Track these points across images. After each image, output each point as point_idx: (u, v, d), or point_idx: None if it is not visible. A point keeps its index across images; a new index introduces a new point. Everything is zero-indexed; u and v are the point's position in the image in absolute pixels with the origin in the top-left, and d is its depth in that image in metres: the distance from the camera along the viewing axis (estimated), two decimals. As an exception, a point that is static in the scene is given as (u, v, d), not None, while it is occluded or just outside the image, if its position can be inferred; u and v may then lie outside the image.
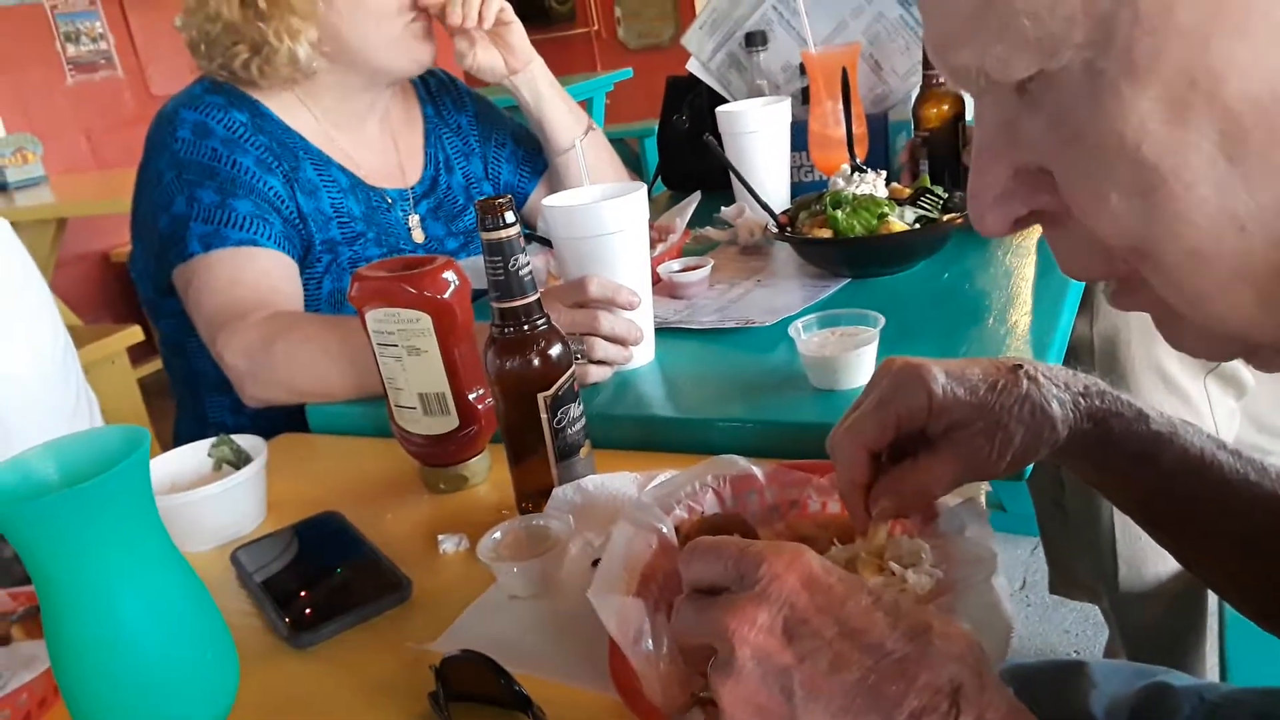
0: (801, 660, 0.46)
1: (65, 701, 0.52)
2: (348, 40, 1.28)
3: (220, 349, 1.10)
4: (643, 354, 1.03)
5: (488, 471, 0.93)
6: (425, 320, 0.84)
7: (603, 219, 0.95)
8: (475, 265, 0.85)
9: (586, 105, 4.46)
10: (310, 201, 1.28)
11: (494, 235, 0.74)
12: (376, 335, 0.88)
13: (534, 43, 1.41)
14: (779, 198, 1.39)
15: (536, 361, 0.78)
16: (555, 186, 1.50)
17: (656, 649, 0.58)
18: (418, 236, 1.40)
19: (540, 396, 0.78)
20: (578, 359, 0.94)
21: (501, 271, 0.75)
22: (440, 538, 0.82)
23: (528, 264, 0.76)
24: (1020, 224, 0.44)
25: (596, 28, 6.56)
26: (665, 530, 0.67)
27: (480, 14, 1.31)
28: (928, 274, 1.16)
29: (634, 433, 0.93)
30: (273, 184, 1.24)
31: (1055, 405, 0.63)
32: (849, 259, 1.14)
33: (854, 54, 1.35)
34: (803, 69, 1.47)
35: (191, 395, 1.35)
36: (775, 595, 0.48)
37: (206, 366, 1.25)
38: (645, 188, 0.99)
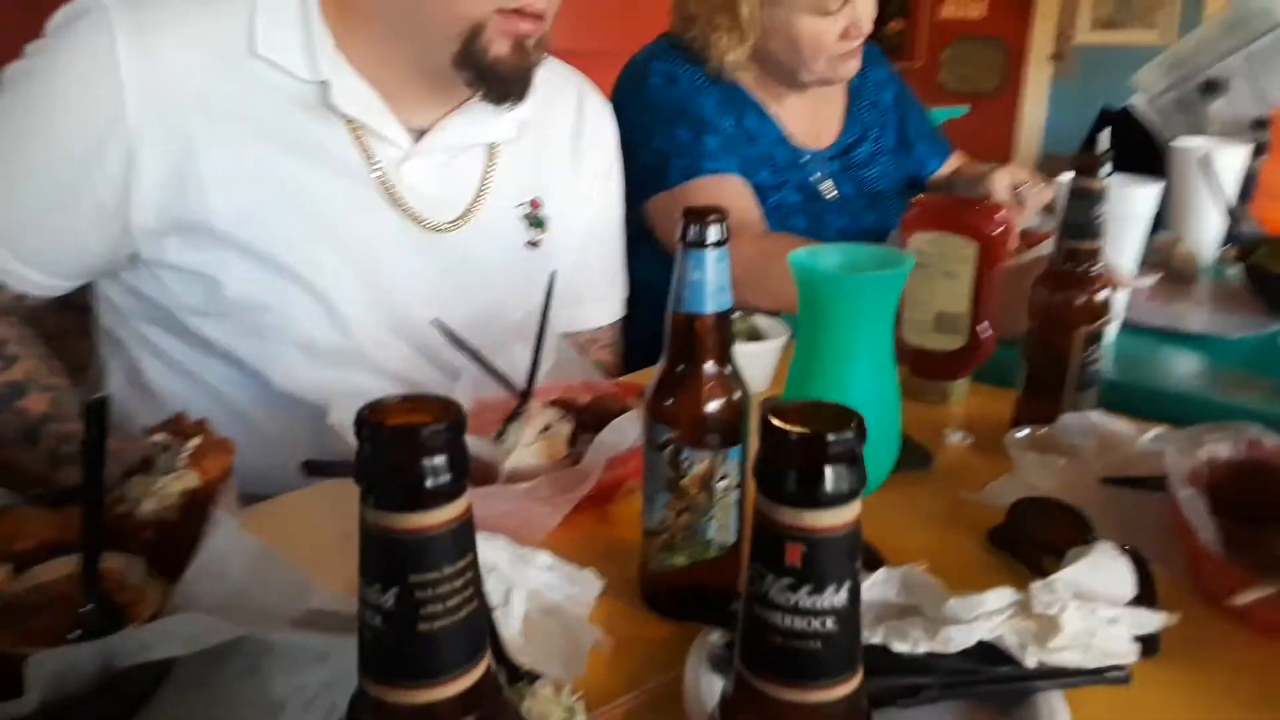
0: None
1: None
2: (776, 58, 1.45)
3: None
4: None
5: (965, 396, 1.06)
6: (972, 249, 0.98)
7: (1127, 200, 1.07)
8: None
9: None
10: (750, 148, 1.46)
11: (1088, 184, 0.87)
12: (915, 255, 1.03)
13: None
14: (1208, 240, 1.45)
15: (1084, 300, 0.90)
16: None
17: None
18: (830, 195, 1.55)
19: (1082, 329, 0.90)
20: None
21: (1084, 215, 0.88)
22: (947, 431, 0.95)
23: (1104, 214, 0.88)
24: None
25: (920, 63, 6.62)
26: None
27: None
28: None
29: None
30: (726, 125, 1.43)
31: None
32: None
33: (1329, 117, 1.40)
34: (1260, 123, 1.52)
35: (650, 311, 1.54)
36: None
37: None
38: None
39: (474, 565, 0.31)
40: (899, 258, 0.69)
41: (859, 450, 0.29)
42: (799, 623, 0.30)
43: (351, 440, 0.81)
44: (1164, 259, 1.43)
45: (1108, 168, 0.86)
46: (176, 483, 0.69)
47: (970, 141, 1.85)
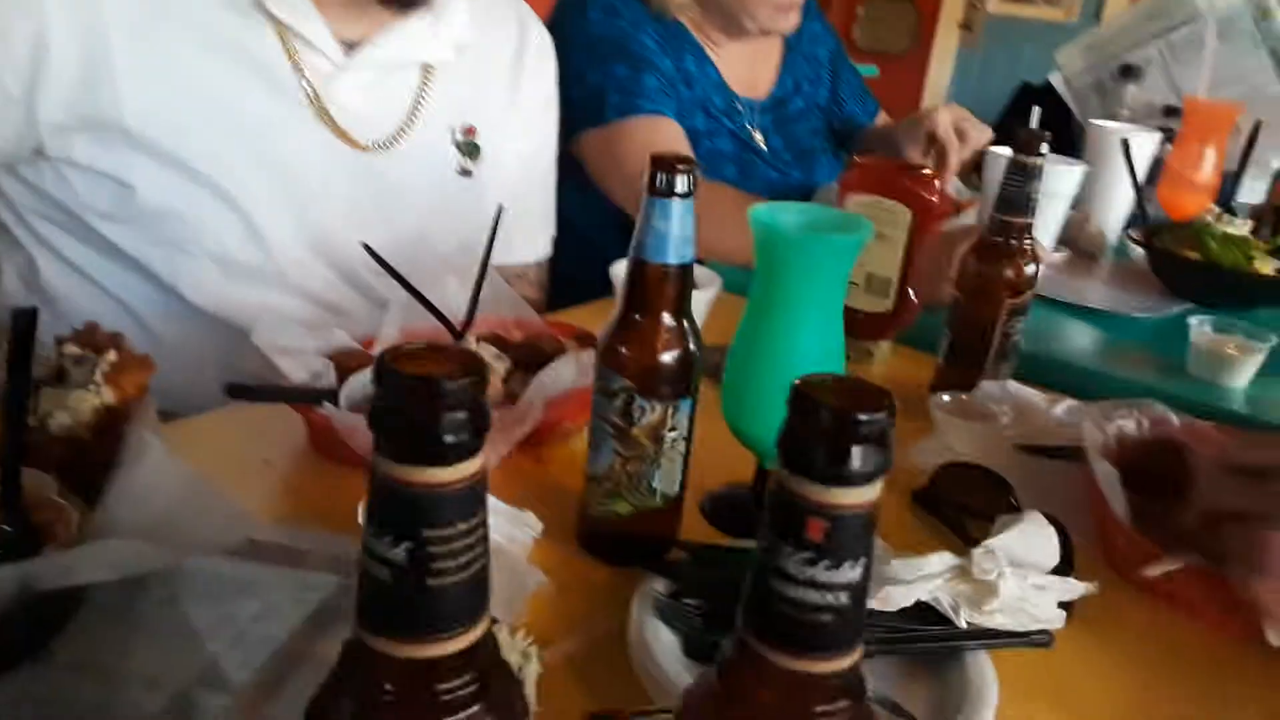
0: None
1: (727, 393, 0.69)
2: (722, 3, 1.44)
3: None
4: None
5: (887, 357, 1.09)
6: (906, 215, 1.00)
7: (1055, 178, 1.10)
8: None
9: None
10: (686, 90, 1.44)
11: (1029, 160, 0.89)
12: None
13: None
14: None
15: (1011, 273, 0.93)
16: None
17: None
18: (761, 145, 1.55)
19: (1007, 301, 0.93)
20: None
21: (1019, 191, 0.90)
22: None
23: (1037, 191, 0.91)
24: None
25: (835, 20, 6.64)
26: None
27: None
28: (1270, 320, 1.27)
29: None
30: (666, 66, 1.40)
31: None
32: (1215, 284, 1.26)
33: (1237, 112, 1.47)
34: (1171, 110, 1.58)
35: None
36: None
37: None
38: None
39: (485, 521, 0.30)
40: (858, 222, 0.69)
41: (890, 429, 0.29)
42: (814, 596, 0.30)
43: (275, 361, 0.77)
44: (1073, 235, 1.48)
45: (1046, 146, 0.88)
46: (92, 398, 0.65)
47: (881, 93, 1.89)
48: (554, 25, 1.37)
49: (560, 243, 1.31)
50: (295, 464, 0.77)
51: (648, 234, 0.62)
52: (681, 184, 0.61)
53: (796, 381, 0.29)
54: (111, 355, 0.67)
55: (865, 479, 0.29)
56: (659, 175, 0.61)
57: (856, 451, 0.28)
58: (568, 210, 1.34)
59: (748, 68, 1.56)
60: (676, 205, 0.61)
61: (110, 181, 0.92)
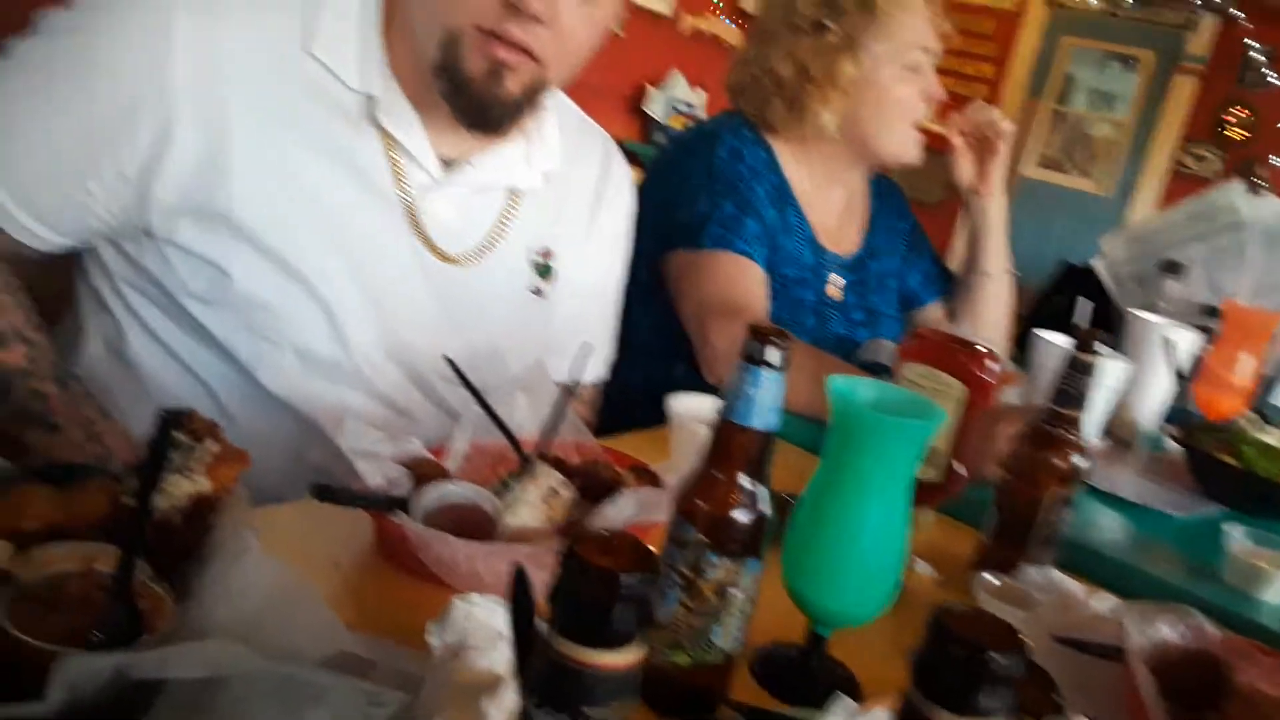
0: None
1: (788, 555, 0.72)
2: (863, 123, 1.54)
3: (709, 332, 1.32)
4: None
5: (930, 526, 1.11)
6: (959, 390, 1.03)
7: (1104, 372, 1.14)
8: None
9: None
10: (784, 239, 1.52)
11: (1088, 357, 0.93)
12: (903, 383, 1.07)
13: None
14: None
15: (1060, 462, 0.96)
16: (957, 304, 1.71)
17: None
18: (834, 295, 1.61)
19: (1055, 489, 0.96)
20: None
21: (1074, 385, 0.94)
22: (915, 559, 1.00)
23: (1090, 387, 0.95)
24: None
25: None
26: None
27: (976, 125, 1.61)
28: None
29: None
30: (770, 216, 1.48)
31: None
32: (1250, 491, 1.29)
33: (1275, 321, 1.51)
34: (1210, 310, 1.63)
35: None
36: None
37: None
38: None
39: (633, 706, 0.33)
40: (929, 407, 0.72)
41: (1018, 673, 0.32)
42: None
43: (356, 465, 0.80)
44: (1109, 423, 1.51)
45: (1101, 345, 0.93)
46: (188, 485, 0.68)
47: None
48: (679, 151, 1.51)
49: (631, 353, 1.38)
50: (362, 568, 0.79)
51: (738, 398, 0.66)
52: (775, 356, 0.65)
53: (938, 613, 0.32)
54: (213, 445, 0.70)
55: (991, 713, 0.31)
56: (753, 344, 0.65)
57: (987, 688, 0.31)
58: (646, 325, 1.44)
59: (838, 226, 1.66)
60: (767, 374, 0.65)
61: (209, 267, 0.97)
